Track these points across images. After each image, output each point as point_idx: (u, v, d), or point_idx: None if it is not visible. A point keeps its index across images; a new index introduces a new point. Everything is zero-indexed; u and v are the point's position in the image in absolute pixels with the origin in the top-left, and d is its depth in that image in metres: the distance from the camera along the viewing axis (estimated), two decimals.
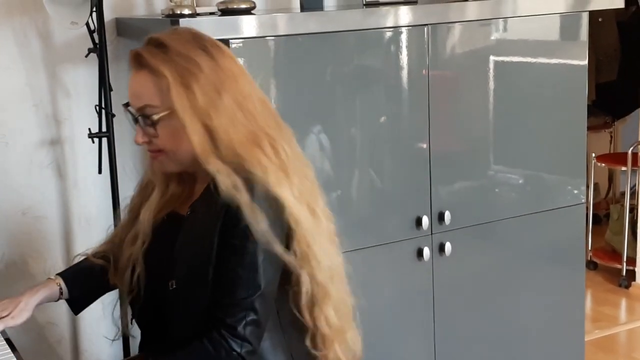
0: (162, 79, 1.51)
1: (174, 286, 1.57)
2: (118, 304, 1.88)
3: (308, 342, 1.65)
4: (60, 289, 1.77)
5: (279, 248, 1.53)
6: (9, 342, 1.66)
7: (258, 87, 1.63)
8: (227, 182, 1.50)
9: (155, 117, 1.53)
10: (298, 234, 1.56)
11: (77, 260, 1.84)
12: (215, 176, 1.50)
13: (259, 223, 1.49)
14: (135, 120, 1.56)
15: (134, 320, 1.75)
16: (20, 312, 1.69)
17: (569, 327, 2.82)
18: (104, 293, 1.86)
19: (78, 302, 1.81)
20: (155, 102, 1.53)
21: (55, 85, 2.37)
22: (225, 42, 2.12)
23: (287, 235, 1.56)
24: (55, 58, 2.36)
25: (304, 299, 1.60)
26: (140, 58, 1.54)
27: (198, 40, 1.57)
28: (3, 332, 1.71)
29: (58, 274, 1.80)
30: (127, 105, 1.60)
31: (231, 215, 1.50)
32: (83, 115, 2.39)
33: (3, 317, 1.67)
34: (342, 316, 1.70)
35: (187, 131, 1.50)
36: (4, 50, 2.31)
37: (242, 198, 1.49)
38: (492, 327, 2.66)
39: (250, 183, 1.50)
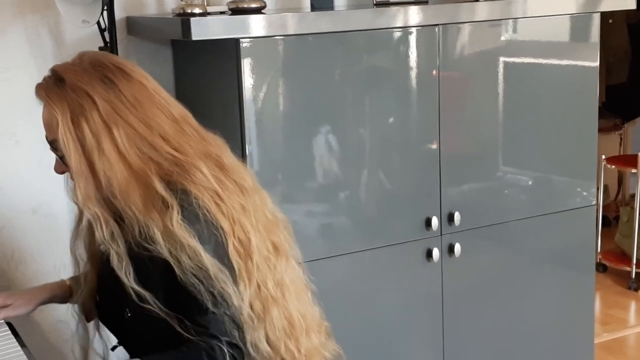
0: (54, 116, 1.49)
1: (129, 314, 1.57)
2: None
3: None
4: (71, 291, 1.78)
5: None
6: (16, 336, 1.67)
7: (175, 103, 1.58)
8: (104, 230, 1.48)
9: (60, 153, 1.53)
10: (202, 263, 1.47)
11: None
12: (92, 223, 1.49)
13: (129, 274, 1.47)
14: (52, 150, 1.58)
15: None
16: (24, 304, 1.72)
17: (578, 330, 2.81)
18: None
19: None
20: (61, 143, 1.51)
21: None
22: (235, 41, 2.12)
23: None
24: (66, 56, 2.33)
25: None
26: (39, 92, 1.53)
27: (99, 68, 1.53)
28: (11, 327, 1.72)
29: (72, 277, 1.80)
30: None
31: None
32: None
33: (7, 306, 1.71)
34: (284, 332, 1.59)
35: (71, 171, 1.49)
36: (15, 49, 2.31)
37: (116, 248, 1.47)
38: (501, 328, 2.65)
39: (127, 230, 1.47)
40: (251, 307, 1.51)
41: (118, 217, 1.50)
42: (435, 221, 2.43)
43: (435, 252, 2.45)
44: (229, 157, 1.60)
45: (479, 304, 2.59)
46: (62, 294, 1.78)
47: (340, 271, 2.35)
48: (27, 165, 2.36)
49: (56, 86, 1.50)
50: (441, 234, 2.47)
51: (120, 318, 1.59)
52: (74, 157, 1.48)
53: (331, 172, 2.31)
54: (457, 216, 2.46)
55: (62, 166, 1.57)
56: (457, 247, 2.48)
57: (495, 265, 2.61)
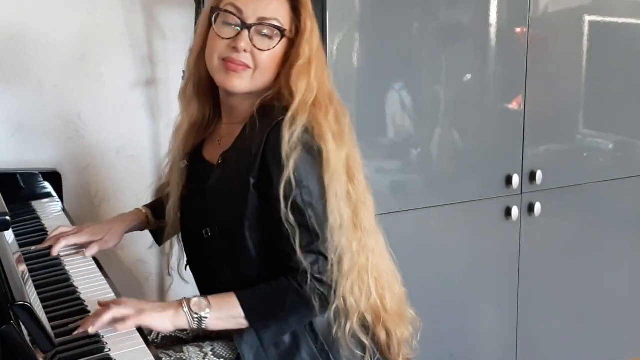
0: (303, 8, 1.57)
1: (209, 234, 1.59)
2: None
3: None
4: (147, 218, 1.86)
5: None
6: (100, 268, 1.72)
7: None
8: (296, 128, 1.49)
9: (287, 33, 1.56)
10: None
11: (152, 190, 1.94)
12: (292, 109, 1.50)
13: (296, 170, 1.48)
14: (245, 27, 1.54)
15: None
16: (112, 237, 1.79)
17: None
18: None
19: (161, 233, 1.87)
20: (283, 22, 1.56)
21: (151, 27, 2.40)
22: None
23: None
24: (152, 0, 2.38)
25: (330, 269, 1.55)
26: None
27: None
28: (97, 262, 1.77)
29: (145, 205, 1.89)
30: (221, 7, 1.58)
31: (273, 170, 1.49)
32: (177, 57, 2.41)
33: (97, 241, 1.77)
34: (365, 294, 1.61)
35: (303, 56, 1.54)
36: None
37: (295, 150, 1.48)
38: (577, 291, 2.61)
39: (310, 136, 1.51)
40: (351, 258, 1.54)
41: None
42: (516, 179, 2.40)
43: (515, 211, 2.42)
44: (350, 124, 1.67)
45: (556, 265, 2.56)
46: (140, 222, 1.86)
47: (412, 225, 2.34)
48: (113, 106, 2.41)
49: None
50: (521, 192, 2.43)
51: (198, 237, 1.62)
52: (307, 51, 1.55)
53: (402, 129, 2.28)
54: (539, 175, 2.42)
55: (249, 45, 1.54)
56: (538, 206, 2.44)
57: (574, 226, 2.57)
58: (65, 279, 1.63)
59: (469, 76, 2.32)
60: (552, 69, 2.44)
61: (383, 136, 2.27)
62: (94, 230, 1.80)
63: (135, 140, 2.45)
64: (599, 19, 2.47)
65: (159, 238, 1.90)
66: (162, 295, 2.56)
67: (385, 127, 2.27)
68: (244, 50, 1.54)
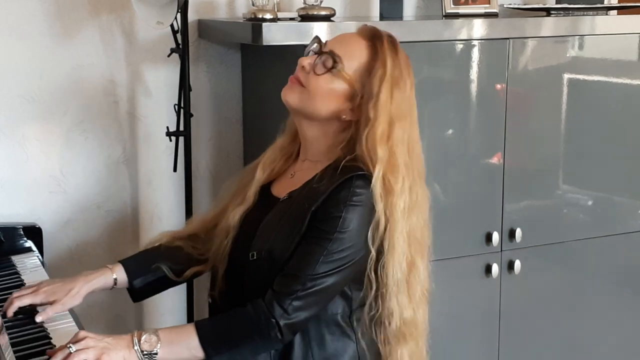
0: (378, 67, 1.63)
1: (254, 257, 1.63)
2: None
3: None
4: (115, 279, 1.77)
5: (364, 251, 1.60)
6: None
7: None
8: (379, 181, 1.59)
9: (335, 70, 1.62)
10: (387, 257, 1.63)
11: (160, 236, 1.90)
12: (377, 164, 1.59)
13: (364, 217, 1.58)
14: (318, 52, 1.66)
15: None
16: (71, 299, 1.70)
17: (638, 357, 2.75)
18: (166, 288, 1.88)
19: (138, 292, 1.82)
20: (348, 69, 1.63)
21: (136, 83, 2.42)
22: (304, 48, 2.13)
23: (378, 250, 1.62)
24: (138, 57, 2.41)
25: (376, 314, 1.67)
26: (376, 37, 1.66)
27: (410, 68, 1.70)
28: (73, 314, 1.72)
29: (120, 261, 1.81)
30: (318, 40, 1.70)
31: (329, 204, 1.58)
32: (161, 114, 2.43)
33: (52, 303, 1.68)
34: (412, 330, 1.74)
35: (374, 122, 1.60)
36: (90, 47, 2.36)
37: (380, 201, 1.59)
38: (558, 349, 2.60)
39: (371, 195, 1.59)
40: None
41: None
42: (496, 236, 2.41)
43: (495, 268, 2.42)
44: (426, 191, 1.81)
45: (536, 323, 2.55)
46: (105, 283, 1.77)
47: None
48: (95, 161, 2.41)
49: (391, 47, 1.66)
50: (501, 250, 2.44)
51: (243, 260, 1.65)
52: (378, 112, 1.60)
53: None
54: (518, 232, 2.43)
55: (310, 65, 1.64)
56: (517, 264, 2.45)
57: (554, 284, 2.57)
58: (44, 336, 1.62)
59: (450, 131, 2.34)
60: (532, 125, 2.47)
61: None
62: (52, 289, 1.70)
63: (116, 196, 2.45)
64: (578, 76, 2.52)
65: (136, 294, 1.82)
66: None
67: None
68: (303, 68, 1.65)
